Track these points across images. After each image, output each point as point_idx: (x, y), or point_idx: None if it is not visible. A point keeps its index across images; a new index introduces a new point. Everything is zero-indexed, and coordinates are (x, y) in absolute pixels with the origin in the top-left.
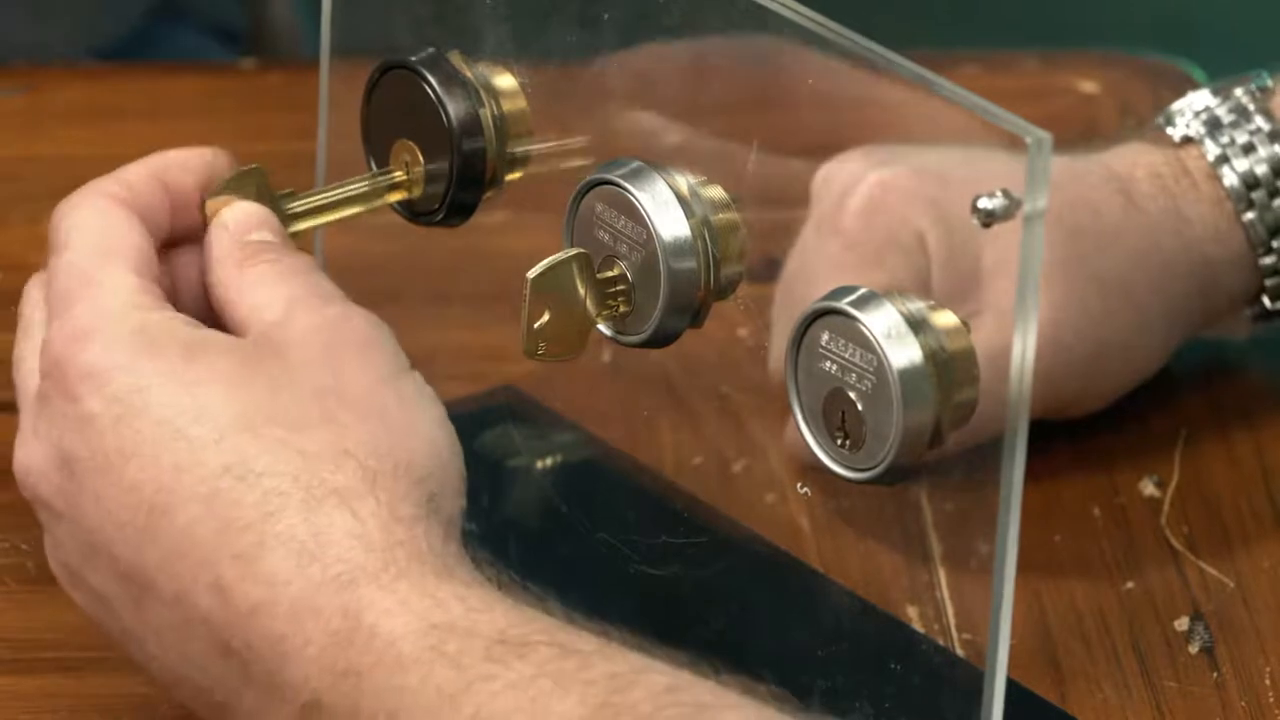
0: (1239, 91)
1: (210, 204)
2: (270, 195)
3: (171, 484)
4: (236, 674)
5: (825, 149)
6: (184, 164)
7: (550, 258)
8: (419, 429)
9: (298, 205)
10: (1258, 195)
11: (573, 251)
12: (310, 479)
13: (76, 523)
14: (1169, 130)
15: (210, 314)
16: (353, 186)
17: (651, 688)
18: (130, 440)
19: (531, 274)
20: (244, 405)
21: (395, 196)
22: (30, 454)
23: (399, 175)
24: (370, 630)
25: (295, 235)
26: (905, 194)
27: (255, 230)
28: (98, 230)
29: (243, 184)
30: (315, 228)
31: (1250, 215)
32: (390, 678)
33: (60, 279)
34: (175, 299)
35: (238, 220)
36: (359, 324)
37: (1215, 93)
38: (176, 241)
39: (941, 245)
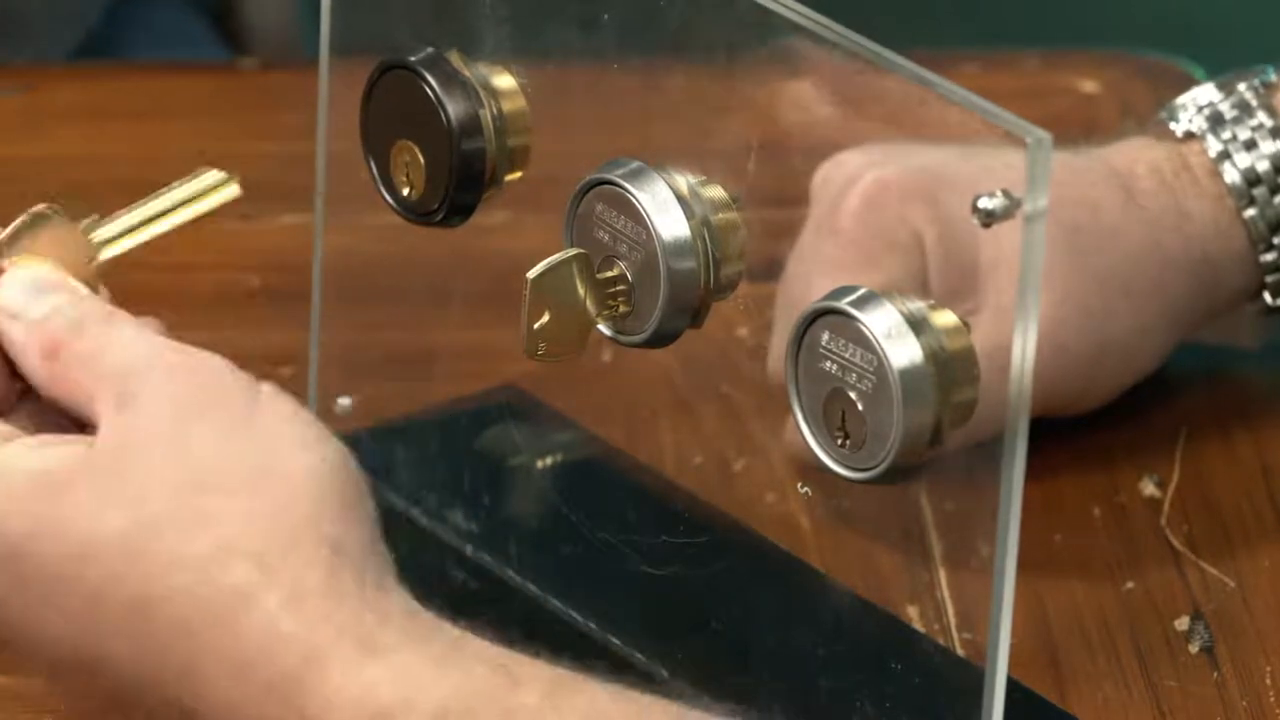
0: (1242, 86)
1: (3, 263)
2: (69, 231)
3: (92, 624)
4: None
5: (825, 149)
6: None
7: (550, 258)
8: (292, 469)
9: (105, 233)
10: (1259, 192)
11: (573, 252)
12: (206, 589)
13: (35, 668)
14: (1171, 125)
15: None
16: (162, 199)
17: None
18: (33, 599)
19: (532, 274)
20: (122, 532)
21: (224, 194)
22: None
23: (216, 174)
24: None
25: (107, 260)
26: (902, 193)
27: (41, 299)
28: None
29: (32, 231)
30: (131, 249)
31: (1251, 212)
32: None
33: None
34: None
35: (15, 299)
36: (188, 379)
37: (1219, 87)
38: None
39: (939, 244)
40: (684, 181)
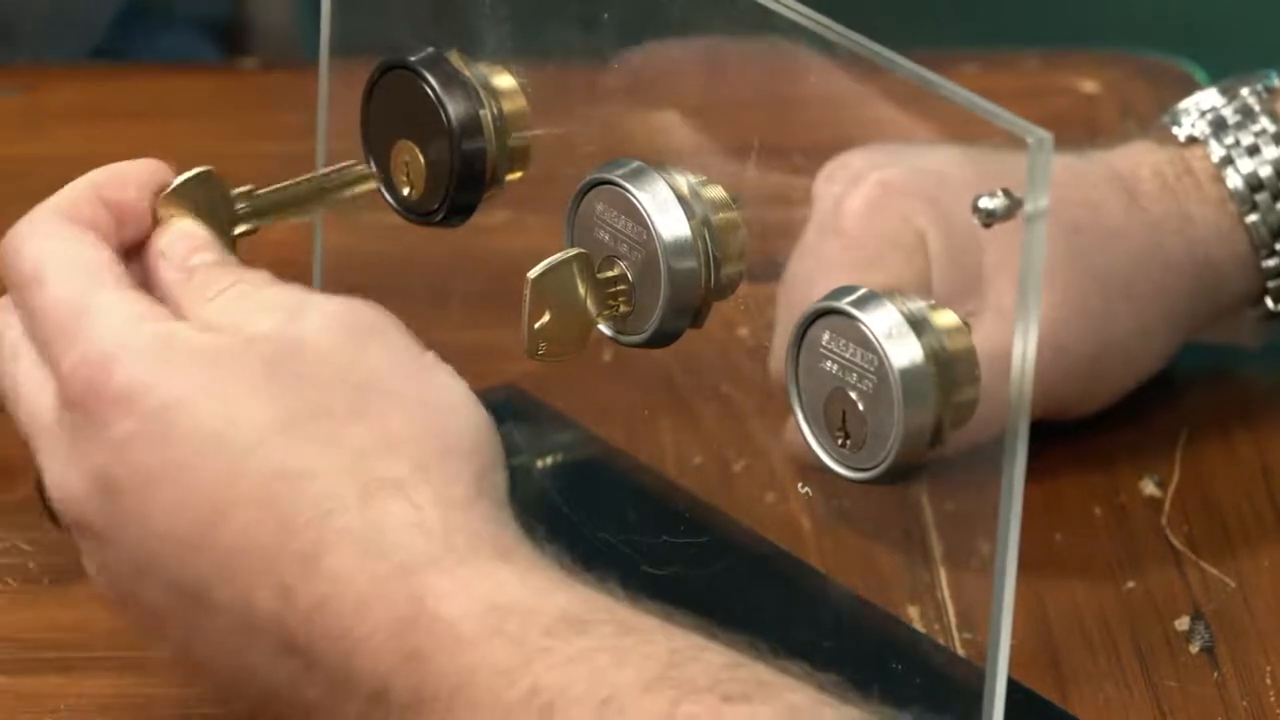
0: (1245, 92)
1: (161, 211)
2: (224, 196)
3: (222, 494)
4: (301, 672)
5: (826, 148)
6: (120, 176)
7: (551, 258)
8: (455, 407)
9: (250, 205)
10: (1261, 197)
11: (573, 251)
12: (362, 473)
13: (123, 543)
14: (1174, 129)
15: None
16: (310, 180)
17: (710, 664)
18: (173, 456)
19: (532, 274)
20: (281, 406)
21: (361, 188)
22: (66, 482)
23: (360, 168)
24: (433, 614)
25: (247, 234)
26: (906, 194)
27: (196, 254)
28: (66, 254)
29: (193, 187)
30: (270, 223)
31: (1253, 217)
32: (452, 658)
33: (50, 314)
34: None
35: (175, 246)
36: (364, 310)
37: (1222, 92)
38: (126, 256)
39: (942, 245)
40: (684, 181)
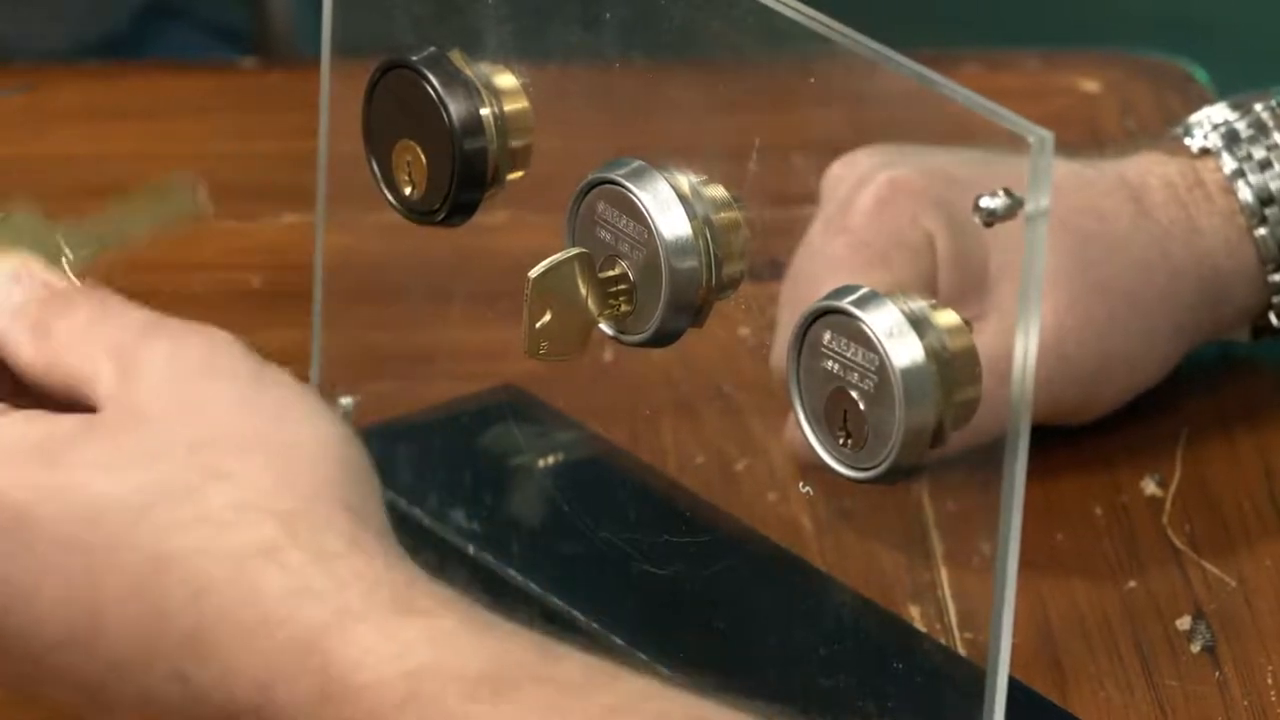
0: (1259, 107)
1: None
2: (44, 233)
3: (92, 595)
4: None
5: (826, 148)
6: None
7: (552, 257)
8: (304, 439)
9: (76, 236)
10: (1271, 211)
11: (574, 251)
12: (225, 547)
13: (15, 660)
14: (1186, 140)
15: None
16: (131, 205)
17: (646, 713)
18: (35, 565)
19: (534, 273)
20: (127, 493)
21: (186, 205)
22: None
23: (178, 184)
24: (342, 688)
25: (81, 268)
26: (914, 194)
27: (15, 287)
28: None
29: (5, 232)
30: (97, 253)
31: (1262, 231)
32: None
33: None
34: None
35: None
36: (194, 348)
37: (1234, 107)
38: None
39: (949, 247)
40: (685, 181)
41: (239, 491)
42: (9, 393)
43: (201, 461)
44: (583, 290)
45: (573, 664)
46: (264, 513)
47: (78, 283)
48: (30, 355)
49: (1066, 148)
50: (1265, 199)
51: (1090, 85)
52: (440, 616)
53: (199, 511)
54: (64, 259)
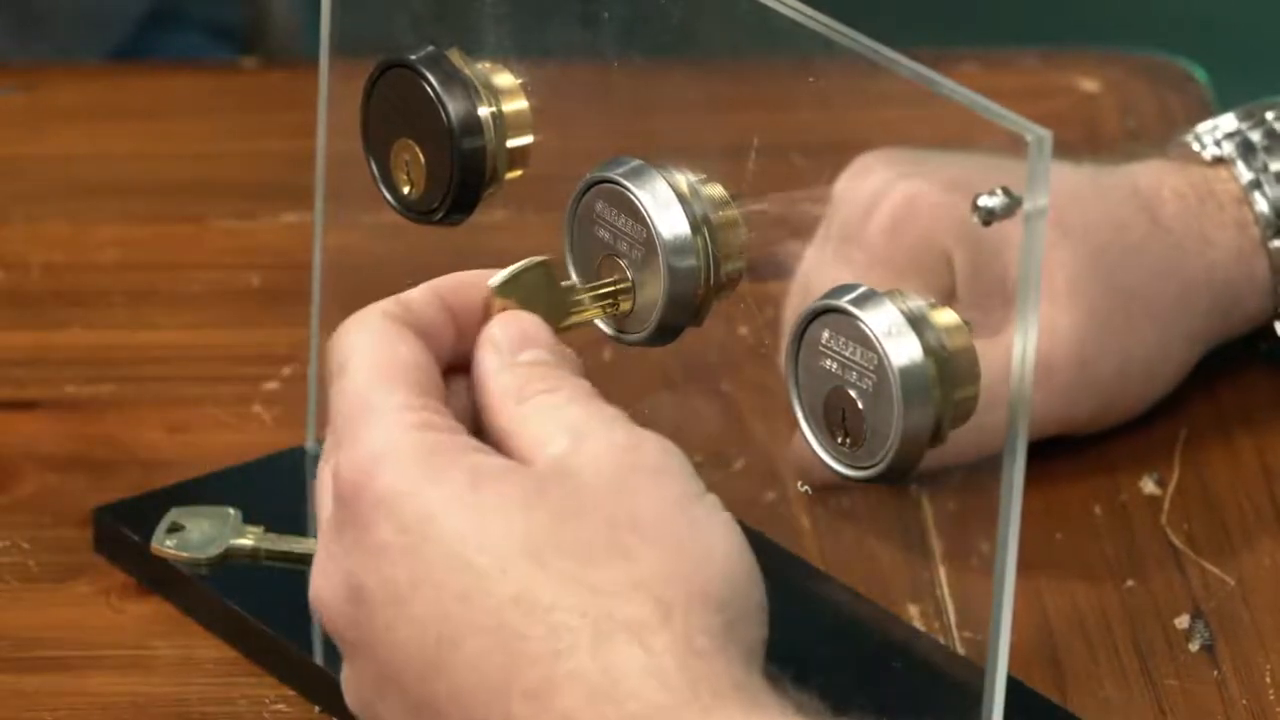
0: (1270, 116)
1: (495, 302)
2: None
3: (458, 615)
4: None
5: (826, 147)
6: (469, 281)
7: (513, 266)
8: (714, 555)
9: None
10: None
11: (537, 260)
12: (599, 613)
13: (368, 654)
14: (1196, 148)
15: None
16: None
17: None
18: (420, 569)
19: (493, 282)
20: (531, 535)
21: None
22: (324, 584)
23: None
24: None
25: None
26: (931, 210)
27: (528, 349)
28: (374, 352)
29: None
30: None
31: (1277, 242)
32: None
33: (341, 405)
34: (464, 419)
35: (508, 336)
36: (650, 449)
37: (1244, 116)
38: (465, 363)
39: (967, 262)
40: (684, 180)
41: (634, 570)
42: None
43: (612, 535)
44: (544, 299)
45: None
46: (647, 594)
47: (572, 356)
48: (498, 407)
49: (1066, 148)
50: None
51: (1090, 85)
52: (789, 718)
53: (587, 575)
54: (565, 321)
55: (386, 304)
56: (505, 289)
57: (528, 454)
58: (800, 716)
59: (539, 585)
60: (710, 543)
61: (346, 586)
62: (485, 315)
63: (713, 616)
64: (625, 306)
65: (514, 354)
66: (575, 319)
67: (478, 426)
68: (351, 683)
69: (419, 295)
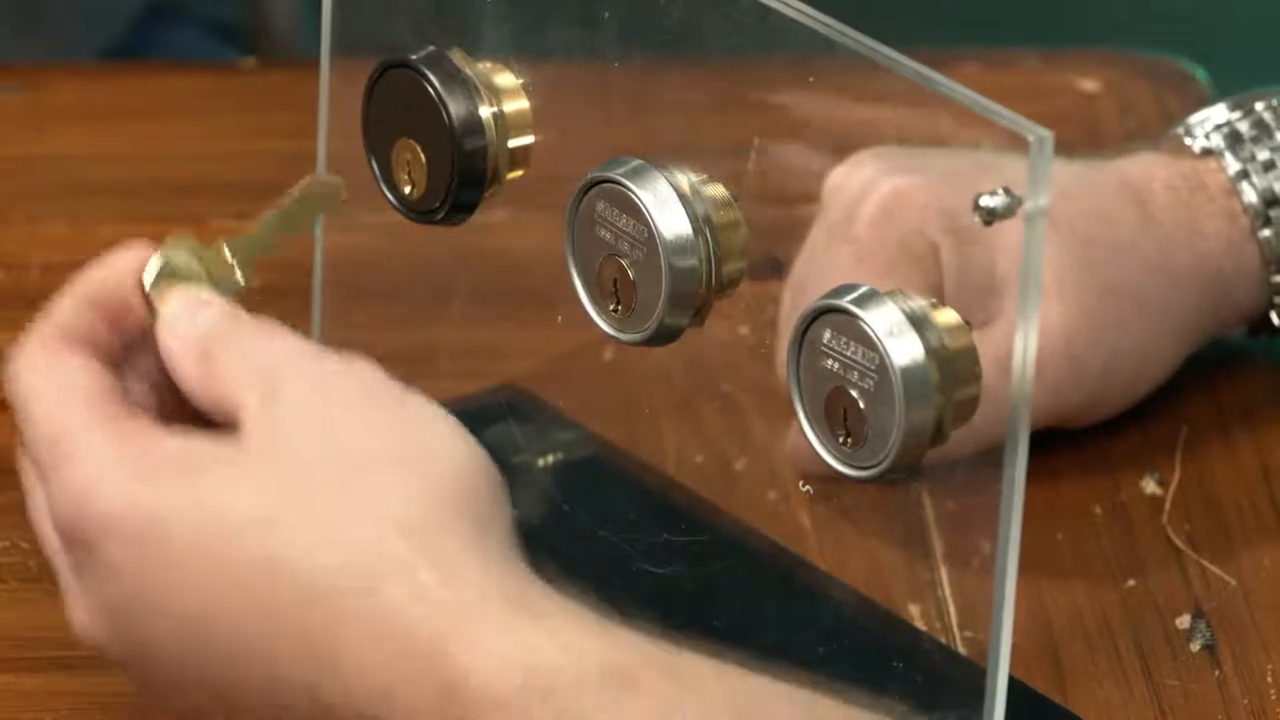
0: (1260, 106)
1: (152, 296)
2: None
3: (222, 606)
4: None
5: (826, 147)
6: (110, 272)
7: (153, 260)
8: (439, 458)
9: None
10: (1275, 213)
11: (176, 240)
12: (351, 557)
13: (144, 667)
14: (1187, 140)
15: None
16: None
17: (778, 714)
18: (161, 572)
19: (147, 283)
20: (258, 505)
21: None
22: (80, 616)
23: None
24: (466, 692)
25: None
26: (919, 203)
27: (199, 315)
28: (49, 387)
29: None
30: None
31: (1267, 232)
32: None
33: (37, 451)
34: (156, 394)
35: (178, 317)
36: (339, 375)
37: (1235, 106)
38: (133, 344)
39: (955, 256)
40: (685, 179)
41: (369, 506)
42: (189, 417)
43: (334, 477)
44: (203, 271)
45: (694, 660)
46: (391, 525)
47: (243, 312)
48: (192, 377)
49: (1066, 148)
50: (1270, 200)
51: (1090, 85)
52: (557, 617)
53: (326, 524)
54: (237, 275)
55: (41, 329)
56: (159, 284)
57: (229, 413)
58: (564, 608)
59: (291, 554)
60: (431, 448)
61: (101, 612)
62: (149, 308)
63: (460, 522)
64: (625, 306)
65: (190, 327)
66: (250, 267)
67: (180, 408)
68: (144, 692)
69: (71, 309)
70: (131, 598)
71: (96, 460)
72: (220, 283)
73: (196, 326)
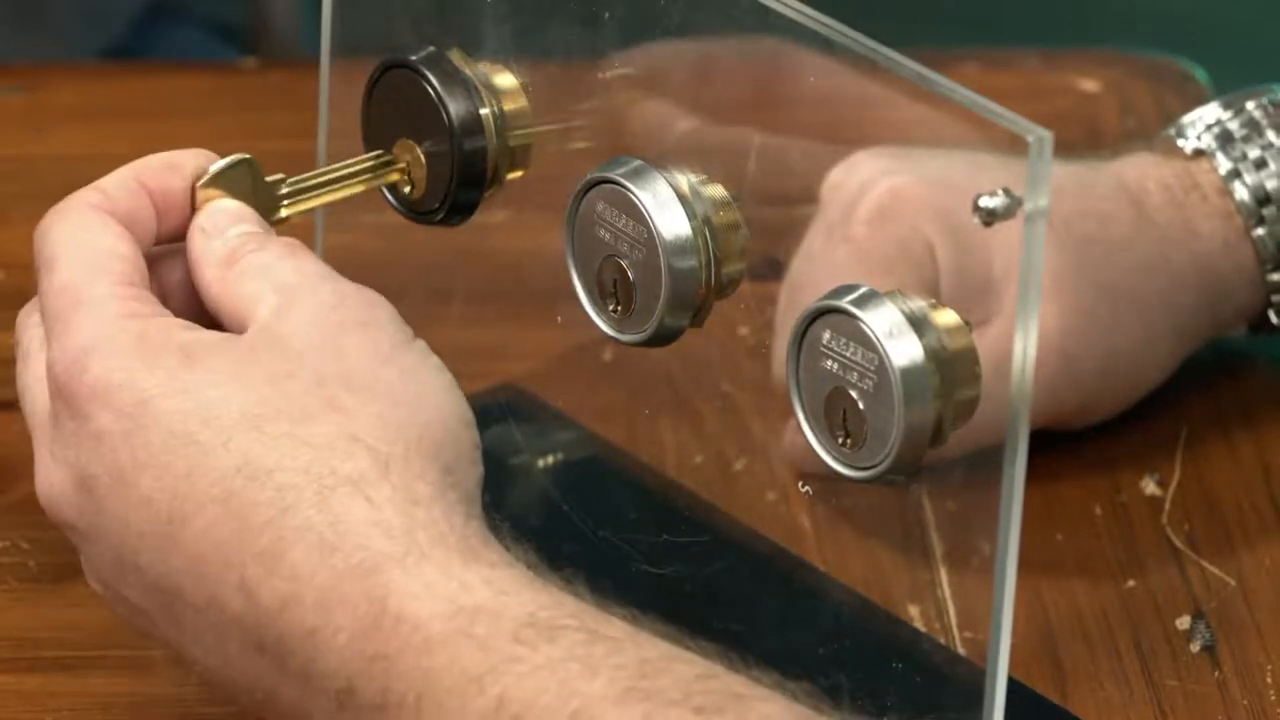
0: (1251, 105)
1: (200, 195)
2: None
3: (186, 491)
4: (273, 670)
5: (826, 147)
6: (168, 164)
7: (220, 161)
8: (426, 402)
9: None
10: (1268, 211)
11: (242, 156)
12: (321, 470)
13: (102, 540)
14: (1180, 142)
15: (205, 314)
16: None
17: (681, 675)
18: (142, 452)
19: (200, 181)
20: (248, 403)
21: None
22: (49, 479)
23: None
24: (396, 615)
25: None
26: (916, 203)
27: (233, 225)
28: (80, 244)
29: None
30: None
31: (1260, 231)
32: (418, 660)
33: (51, 300)
34: (170, 302)
35: (214, 220)
36: (354, 302)
37: (1226, 106)
38: (170, 241)
39: (950, 255)
40: (685, 180)
41: (349, 425)
42: (197, 318)
43: (325, 393)
44: (250, 194)
45: (614, 621)
46: (365, 448)
47: (274, 233)
48: (211, 277)
49: (1065, 148)
50: (1262, 199)
51: (1090, 85)
52: (501, 568)
53: (306, 433)
54: (281, 211)
55: (86, 193)
56: (210, 183)
57: (242, 319)
58: (510, 563)
59: (260, 451)
60: (421, 390)
61: (73, 477)
62: (192, 209)
63: (430, 464)
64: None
65: (222, 233)
66: (294, 208)
67: (195, 308)
68: (90, 568)
69: (119, 180)
70: (107, 473)
71: (105, 324)
72: (263, 209)
73: (228, 232)
